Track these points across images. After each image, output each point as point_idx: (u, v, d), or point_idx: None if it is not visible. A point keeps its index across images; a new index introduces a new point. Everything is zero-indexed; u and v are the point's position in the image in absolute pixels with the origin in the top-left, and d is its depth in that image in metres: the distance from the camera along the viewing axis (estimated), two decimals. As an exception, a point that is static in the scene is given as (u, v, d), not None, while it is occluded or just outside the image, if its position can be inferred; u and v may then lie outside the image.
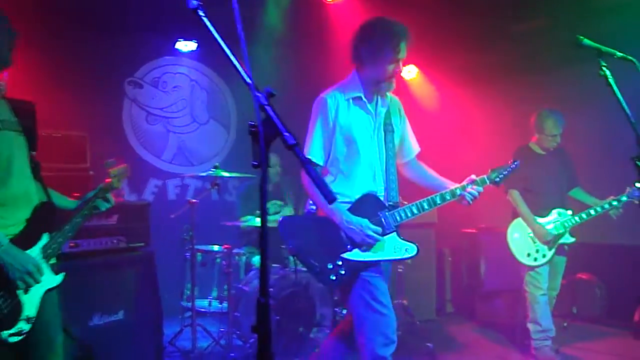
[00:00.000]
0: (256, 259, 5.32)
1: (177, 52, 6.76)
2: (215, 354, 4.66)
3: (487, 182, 3.09)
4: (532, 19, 5.96)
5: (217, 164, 4.85)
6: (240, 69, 1.52)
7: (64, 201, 2.88)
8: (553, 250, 4.59)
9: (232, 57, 1.52)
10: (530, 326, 4.71)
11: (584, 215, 4.53)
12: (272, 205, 5.63)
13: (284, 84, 6.61)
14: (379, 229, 2.90)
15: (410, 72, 7.41)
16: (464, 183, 3.04)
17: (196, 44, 6.69)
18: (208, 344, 4.79)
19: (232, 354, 4.50)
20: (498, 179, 3.13)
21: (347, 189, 2.99)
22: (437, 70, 7.25)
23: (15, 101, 2.63)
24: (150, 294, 4.26)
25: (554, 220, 4.62)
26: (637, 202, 4.28)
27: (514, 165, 3.23)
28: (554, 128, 4.68)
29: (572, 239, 4.63)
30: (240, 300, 4.75)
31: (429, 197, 3.01)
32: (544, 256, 4.60)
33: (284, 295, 4.56)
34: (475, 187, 3.01)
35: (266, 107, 1.47)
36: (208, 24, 1.57)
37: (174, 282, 5.10)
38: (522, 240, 4.67)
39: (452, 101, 7.31)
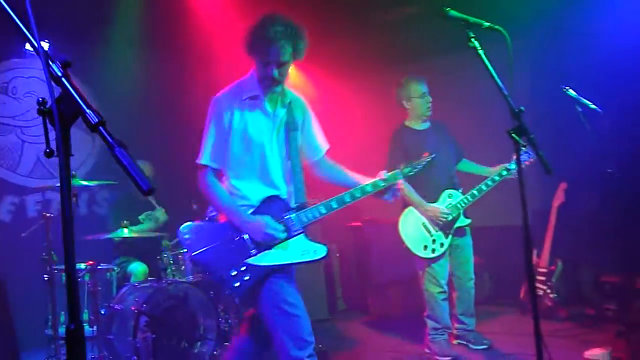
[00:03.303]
0: (133, 267, 4.91)
1: (28, 54, 6.07)
2: (87, 384, 4.18)
3: (401, 177, 3.06)
4: (404, 6, 5.95)
5: (74, 172, 4.35)
6: (27, 32, 1.18)
7: None
8: (450, 237, 4.37)
9: (14, 16, 1.17)
10: (428, 322, 4.51)
11: (475, 192, 4.33)
12: (146, 217, 5.24)
13: (142, 84, 6.26)
14: (282, 227, 2.82)
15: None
16: (375, 180, 2.99)
17: (48, 44, 6.05)
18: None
19: (106, 382, 4.06)
20: (412, 173, 3.11)
21: (249, 193, 2.90)
22: (310, 62, 7.09)
23: None
24: (1, 325, 3.74)
25: (446, 203, 4.37)
26: (525, 165, 4.06)
27: (429, 159, 3.21)
28: (420, 86, 4.48)
29: (468, 220, 4.44)
30: (112, 321, 4.30)
31: (337, 196, 2.93)
32: (442, 245, 4.34)
33: (160, 310, 4.16)
34: (389, 181, 2.99)
35: (62, 78, 1.14)
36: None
37: (37, 309, 4.57)
38: (416, 231, 4.35)
39: (328, 93, 7.16)
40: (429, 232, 4.35)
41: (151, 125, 6.33)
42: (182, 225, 2.88)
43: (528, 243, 2.42)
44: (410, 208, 4.39)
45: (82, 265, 4.43)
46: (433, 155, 3.22)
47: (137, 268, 4.90)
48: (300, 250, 2.84)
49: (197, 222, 2.94)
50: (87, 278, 4.46)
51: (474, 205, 4.43)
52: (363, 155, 4.39)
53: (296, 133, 2.99)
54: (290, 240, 2.84)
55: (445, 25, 2.56)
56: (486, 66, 2.48)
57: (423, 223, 4.36)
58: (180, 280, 4.52)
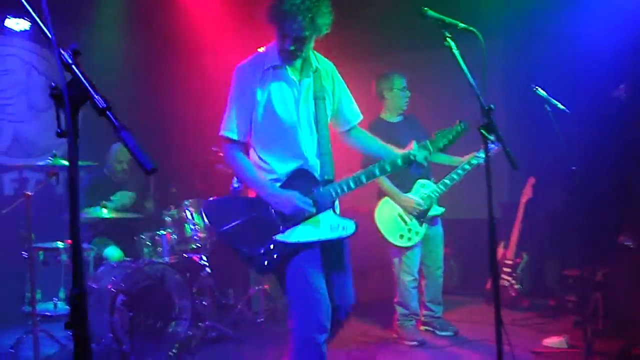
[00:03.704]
0: (109, 251, 4.96)
1: (8, 31, 6.04)
2: (63, 360, 4.26)
3: (430, 148, 2.89)
4: (383, 1, 6.07)
5: (54, 152, 4.40)
6: (39, 20, 1.28)
7: None
8: (425, 225, 4.52)
9: (26, 5, 1.27)
10: (397, 307, 4.69)
11: (447, 182, 4.47)
12: (120, 196, 5.24)
13: (124, 66, 6.29)
14: (310, 201, 2.71)
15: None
16: (405, 152, 2.87)
17: (29, 22, 6.05)
18: (54, 351, 4.36)
19: (82, 358, 4.13)
20: (442, 144, 2.91)
21: (276, 166, 2.81)
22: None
23: None
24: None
25: (419, 193, 4.51)
26: (492, 154, 4.15)
27: (458, 128, 2.92)
28: (402, 79, 4.64)
29: (441, 209, 4.59)
30: (89, 299, 4.36)
31: (367, 169, 2.82)
32: (417, 234, 4.50)
33: (137, 289, 4.25)
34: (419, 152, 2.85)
35: (72, 66, 1.25)
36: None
37: (14, 286, 4.63)
38: (391, 221, 4.51)
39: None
40: (405, 221, 4.51)
41: (134, 108, 6.35)
42: (208, 200, 2.81)
43: (492, 236, 2.55)
44: (387, 198, 4.54)
45: (61, 244, 4.50)
46: (462, 123, 2.95)
47: (113, 253, 4.94)
48: (328, 226, 2.74)
49: (222, 197, 2.85)
50: (64, 258, 4.53)
51: (444, 198, 4.59)
52: (340, 147, 4.51)
53: (324, 102, 2.87)
54: (319, 215, 2.74)
55: (423, 22, 2.65)
56: (460, 65, 2.60)
57: (399, 213, 4.51)
58: (157, 261, 4.60)
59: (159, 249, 4.78)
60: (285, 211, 2.70)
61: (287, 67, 2.81)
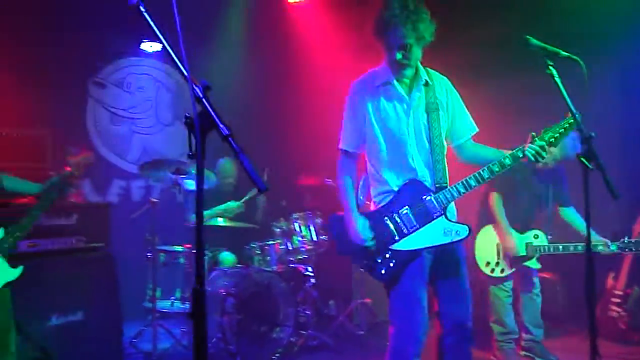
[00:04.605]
0: (223, 255, 5.31)
1: (142, 53, 6.74)
2: (177, 354, 4.65)
3: (538, 142, 2.82)
4: (488, 25, 6.05)
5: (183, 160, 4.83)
6: (177, 60, 1.54)
7: (24, 185, 2.92)
8: (513, 270, 4.46)
9: (169, 49, 1.53)
10: (493, 327, 4.62)
11: (560, 247, 4.29)
12: (227, 207, 5.56)
13: (244, 85, 6.68)
14: (369, 235, 2.88)
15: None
16: (514, 151, 2.85)
17: (161, 45, 6.64)
18: (170, 344, 4.76)
19: (194, 354, 4.48)
20: (553, 140, 2.84)
21: (389, 178, 2.94)
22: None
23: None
24: (109, 295, 4.25)
25: (528, 242, 4.42)
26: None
27: (571, 120, 2.74)
28: None
29: (538, 266, 4.46)
30: (202, 301, 4.72)
31: (476, 173, 2.86)
32: (502, 271, 4.46)
33: (246, 295, 4.55)
34: (530, 145, 2.81)
35: (202, 99, 1.49)
36: (148, 19, 1.60)
37: (137, 283, 5.08)
38: (487, 247, 4.49)
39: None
40: (499, 254, 4.47)
41: (248, 123, 6.69)
42: (333, 215, 3.03)
43: (590, 265, 2.59)
44: (492, 227, 4.52)
45: (180, 248, 4.91)
46: (572, 117, 2.71)
47: (227, 257, 5.29)
48: (441, 231, 2.83)
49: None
50: (182, 260, 4.93)
51: (556, 224, 4.51)
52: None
53: (437, 113, 2.93)
54: (432, 223, 2.84)
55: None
56: (561, 93, 2.63)
57: (497, 244, 4.48)
58: (265, 269, 4.89)
59: (268, 257, 5.05)
60: (349, 234, 2.91)
61: (396, 83, 2.92)
